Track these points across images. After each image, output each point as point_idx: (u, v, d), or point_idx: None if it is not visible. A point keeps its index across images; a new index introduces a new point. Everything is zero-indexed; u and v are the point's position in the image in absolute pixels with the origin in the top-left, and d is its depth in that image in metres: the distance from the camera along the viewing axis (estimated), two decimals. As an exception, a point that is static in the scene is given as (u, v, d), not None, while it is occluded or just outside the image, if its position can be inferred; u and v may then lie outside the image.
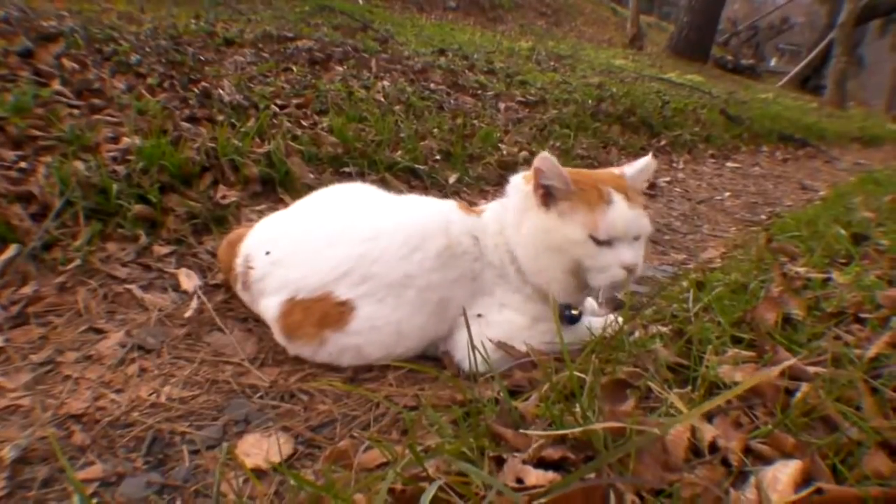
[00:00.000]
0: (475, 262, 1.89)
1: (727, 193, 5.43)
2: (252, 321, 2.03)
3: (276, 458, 1.42)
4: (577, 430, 1.09)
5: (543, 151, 1.75)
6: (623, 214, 1.79)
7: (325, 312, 1.78)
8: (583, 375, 1.31)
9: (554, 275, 1.84)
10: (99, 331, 1.89)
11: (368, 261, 1.79)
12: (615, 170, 1.97)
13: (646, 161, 1.97)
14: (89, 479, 1.36)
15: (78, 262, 2.11)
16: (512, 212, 1.89)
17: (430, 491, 0.89)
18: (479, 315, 1.88)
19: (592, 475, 0.97)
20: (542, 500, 0.90)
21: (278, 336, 1.87)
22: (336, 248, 1.83)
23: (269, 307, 1.86)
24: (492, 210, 2.00)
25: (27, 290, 1.98)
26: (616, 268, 1.78)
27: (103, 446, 1.46)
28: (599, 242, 1.77)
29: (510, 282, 1.91)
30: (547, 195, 1.80)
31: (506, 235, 1.90)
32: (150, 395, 1.65)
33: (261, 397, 1.69)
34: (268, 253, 1.89)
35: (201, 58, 4.23)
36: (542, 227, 1.81)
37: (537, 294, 1.87)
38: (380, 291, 1.79)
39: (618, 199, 1.80)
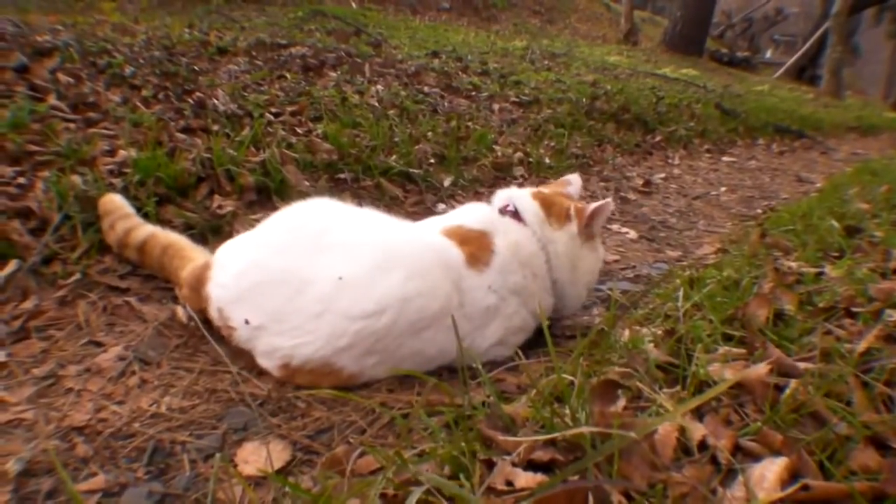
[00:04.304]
0: (496, 294, 1.95)
1: (723, 188, 5.44)
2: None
3: (274, 466, 1.44)
4: (561, 433, 1.11)
5: (608, 198, 2.22)
6: None
7: (333, 378, 1.74)
8: (571, 378, 1.34)
9: (586, 291, 2.22)
10: (99, 343, 1.91)
11: (371, 338, 1.71)
12: (562, 189, 2.31)
13: (576, 179, 2.40)
14: (92, 490, 1.37)
15: (77, 275, 2.13)
16: (563, 254, 2.09)
17: (415, 495, 0.91)
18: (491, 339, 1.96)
19: (578, 477, 0.99)
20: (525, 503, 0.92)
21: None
22: (328, 319, 1.69)
23: (267, 367, 1.80)
24: (505, 241, 2.02)
25: (28, 304, 2.00)
26: None
27: (105, 457, 1.48)
28: None
29: (530, 302, 2.02)
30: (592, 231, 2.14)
31: (539, 265, 2.07)
32: (151, 405, 1.67)
33: (259, 405, 1.71)
34: (247, 322, 1.76)
35: (195, 68, 4.25)
36: (593, 264, 2.19)
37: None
38: (389, 360, 1.77)
39: None
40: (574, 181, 2.36)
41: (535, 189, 2.23)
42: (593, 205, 2.04)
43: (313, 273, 1.73)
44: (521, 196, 2.14)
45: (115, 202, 2.25)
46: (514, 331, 1.99)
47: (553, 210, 2.09)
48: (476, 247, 1.94)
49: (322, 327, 1.69)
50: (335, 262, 1.75)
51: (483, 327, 1.91)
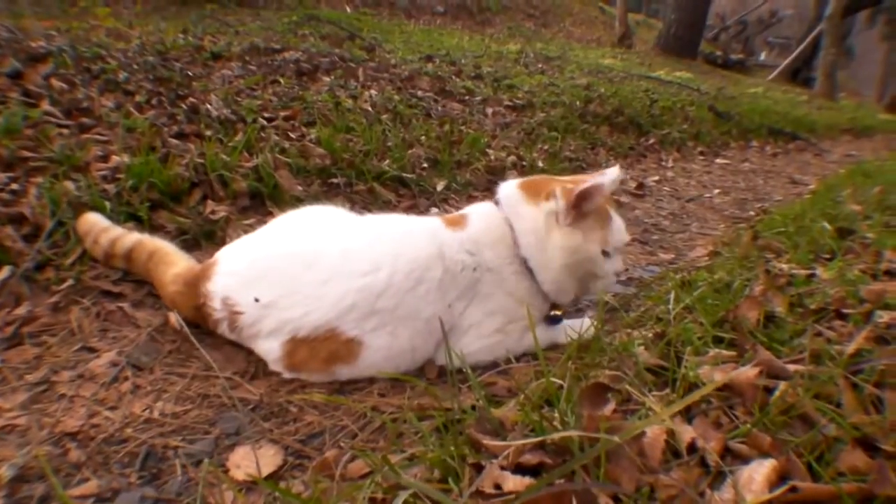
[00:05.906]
0: (474, 272, 1.97)
1: (716, 190, 5.45)
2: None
3: (264, 471, 1.45)
4: (549, 436, 1.11)
5: (597, 177, 1.95)
6: (621, 229, 2.09)
7: (334, 350, 1.79)
8: (560, 381, 1.34)
9: (570, 285, 2.06)
10: (92, 349, 1.91)
11: (372, 295, 1.80)
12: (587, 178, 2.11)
13: (616, 171, 2.09)
14: (85, 495, 1.38)
15: (70, 281, 2.13)
16: (531, 231, 2.01)
17: (399, 500, 0.91)
18: (473, 323, 1.98)
19: (565, 480, 1.00)
20: (511, 507, 0.93)
21: (281, 370, 1.86)
22: (334, 283, 1.79)
23: (268, 350, 1.84)
24: (479, 218, 2.09)
25: (21, 310, 2.00)
26: (611, 275, 2.09)
27: (98, 463, 1.49)
28: (605, 254, 2.03)
29: (506, 284, 2.01)
30: (579, 215, 1.97)
31: (509, 245, 2.02)
32: (144, 410, 1.67)
33: (251, 410, 1.71)
34: (257, 300, 1.81)
35: (189, 73, 4.24)
36: (571, 247, 1.98)
37: (529, 297, 2.03)
38: (389, 324, 1.82)
39: (614, 214, 2.05)
40: (608, 172, 2.07)
41: (539, 176, 2.25)
42: (581, 185, 1.91)
43: (321, 249, 1.87)
44: (507, 183, 2.16)
45: (91, 219, 2.27)
46: (490, 313, 1.99)
47: (539, 193, 2.04)
48: (455, 222, 2.07)
49: (328, 292, 1.78)
50: (339, 240, 1.91)
51: (463, 298, 1.96)
